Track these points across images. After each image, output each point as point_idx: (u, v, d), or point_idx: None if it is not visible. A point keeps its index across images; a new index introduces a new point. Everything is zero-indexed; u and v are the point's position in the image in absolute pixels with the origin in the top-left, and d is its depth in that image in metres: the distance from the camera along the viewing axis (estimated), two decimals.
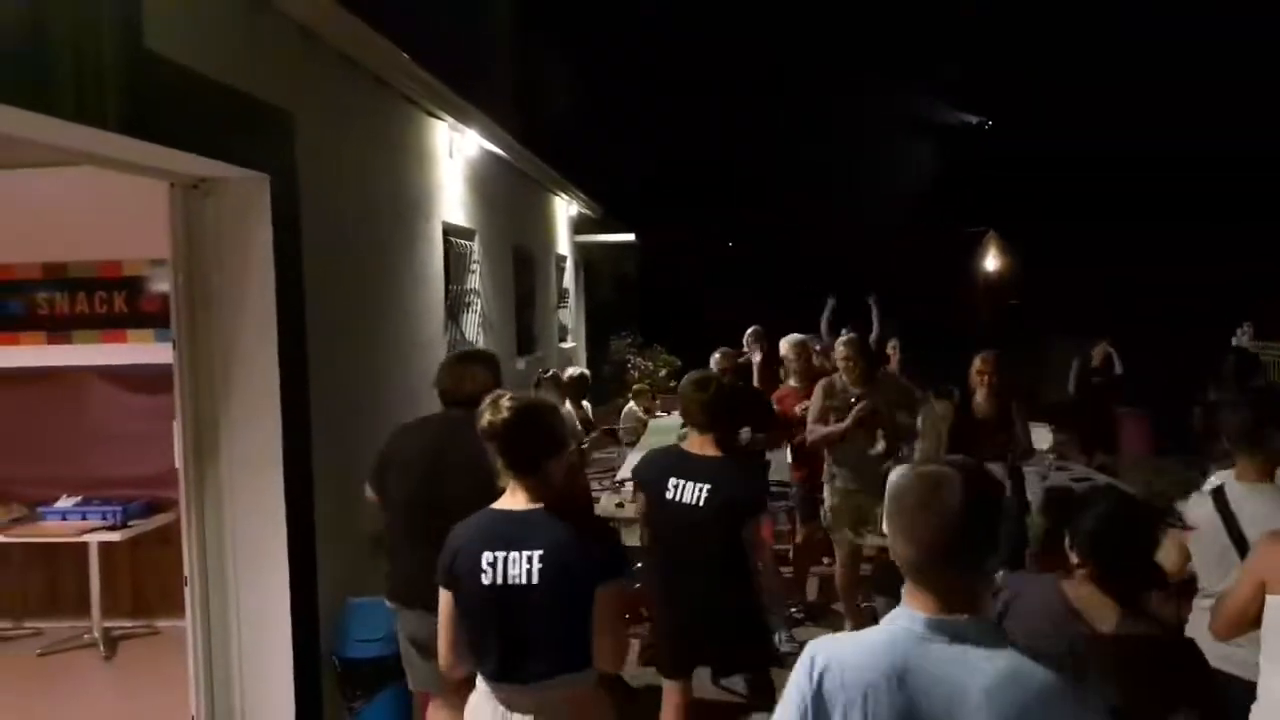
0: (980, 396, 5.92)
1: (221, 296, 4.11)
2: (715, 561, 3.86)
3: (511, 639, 2.65)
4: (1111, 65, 19.03)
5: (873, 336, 8.69)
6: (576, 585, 2.62)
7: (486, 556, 2.64)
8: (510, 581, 2.61)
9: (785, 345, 6.80)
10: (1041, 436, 7.85)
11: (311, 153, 4.45)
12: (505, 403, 2.67)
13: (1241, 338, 10.44)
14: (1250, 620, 2.89)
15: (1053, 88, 20.04)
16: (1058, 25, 20.15)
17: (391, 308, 5.68)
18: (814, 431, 5.69)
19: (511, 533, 2.66)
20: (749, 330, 8.08)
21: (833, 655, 1.72)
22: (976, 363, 5.98)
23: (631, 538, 6.64)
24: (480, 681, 2.77)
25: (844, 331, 9.37)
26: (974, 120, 24.55)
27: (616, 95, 19.46)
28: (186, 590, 4.11)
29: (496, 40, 11.43)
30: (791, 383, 6.65)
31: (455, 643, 2.76)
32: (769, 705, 4.05)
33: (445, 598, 2.75)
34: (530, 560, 2.60)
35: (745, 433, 5.91)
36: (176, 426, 4.09)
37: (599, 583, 2.63)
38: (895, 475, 1.77)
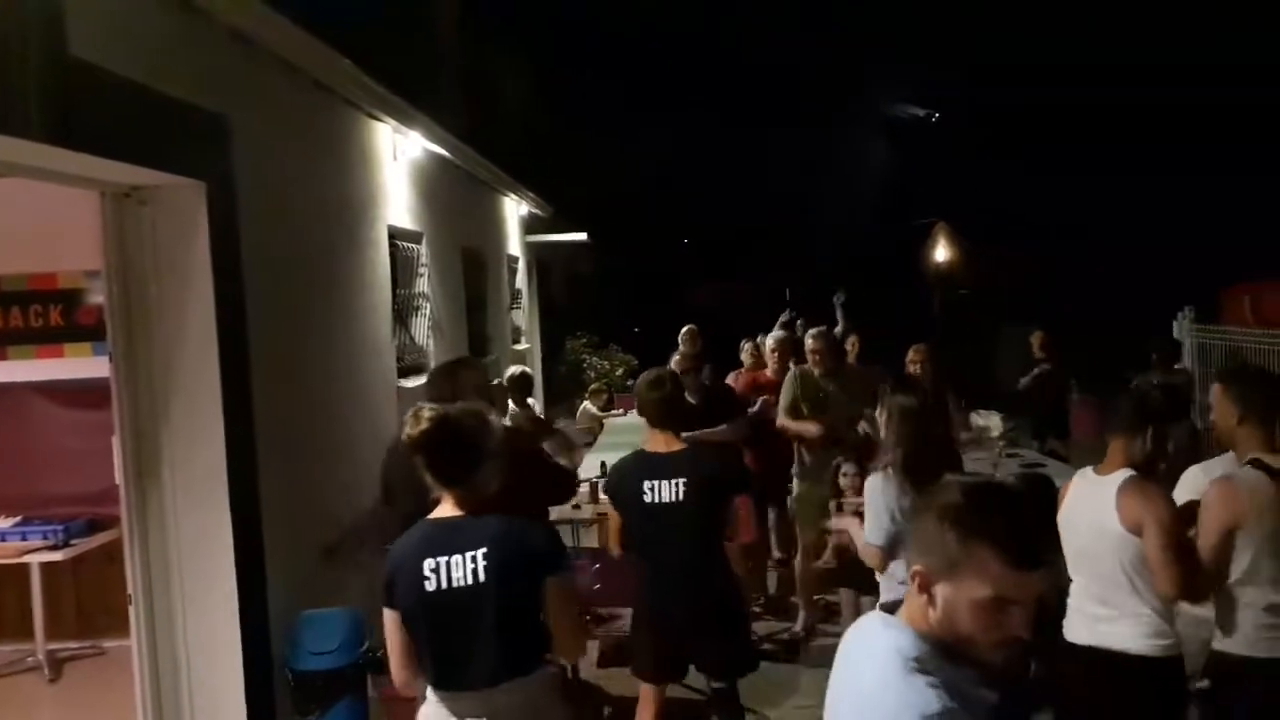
0: None
1: (159, 307, 4.01)
2: (700, 559, 3.90)
3: (461, 644, 2.62)
4: (1052, 58, 19.35)
5: (837, 330, 8.85)
6: (523, 578, 2.61)
7: (428, 564, 2.61)
8: (455, 584, 2.59)
9: (769, 342, 7.06)
10: (993, 424, 7.95)
11: (249, 159, 4.36)
12: (425, 414, 2.62)
13: (1182, 322, 10.66)
14: (1222, 568, 3.07)
15: (998, 81, 20.31)
16: (1002, 18, 20.43)
17: (337, 314, 5.60)
18: (791, 424, 5.91)
19: (448, 538, 2.63)
20: (684, 329, 8.22)
21: None
22: (910, 354, 6.18)
23: (589, 539, 6.65)
24: (430, 692, 2.73)
25: (798, 326, 9.51)
26: (921, 113, 24.82)
27: (566, 94, 19.39)
28: (131, 609, 4.01)
29: (439, 41, 11.33)
30: (767, 372, 6.81)
31: (406, 660, 2.72)
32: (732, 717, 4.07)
33: (390, 617, 2.71)
34: (474, 559, 2.58)
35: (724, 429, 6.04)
36: (116, 442, 3.99)
37: (548, 573, 2.63)
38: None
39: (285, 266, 4.86)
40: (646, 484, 3.91)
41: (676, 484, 3.85)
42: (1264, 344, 9.40)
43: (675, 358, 6.48)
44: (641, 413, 4.14)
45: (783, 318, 9.86)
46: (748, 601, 4.48)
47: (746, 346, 7.75)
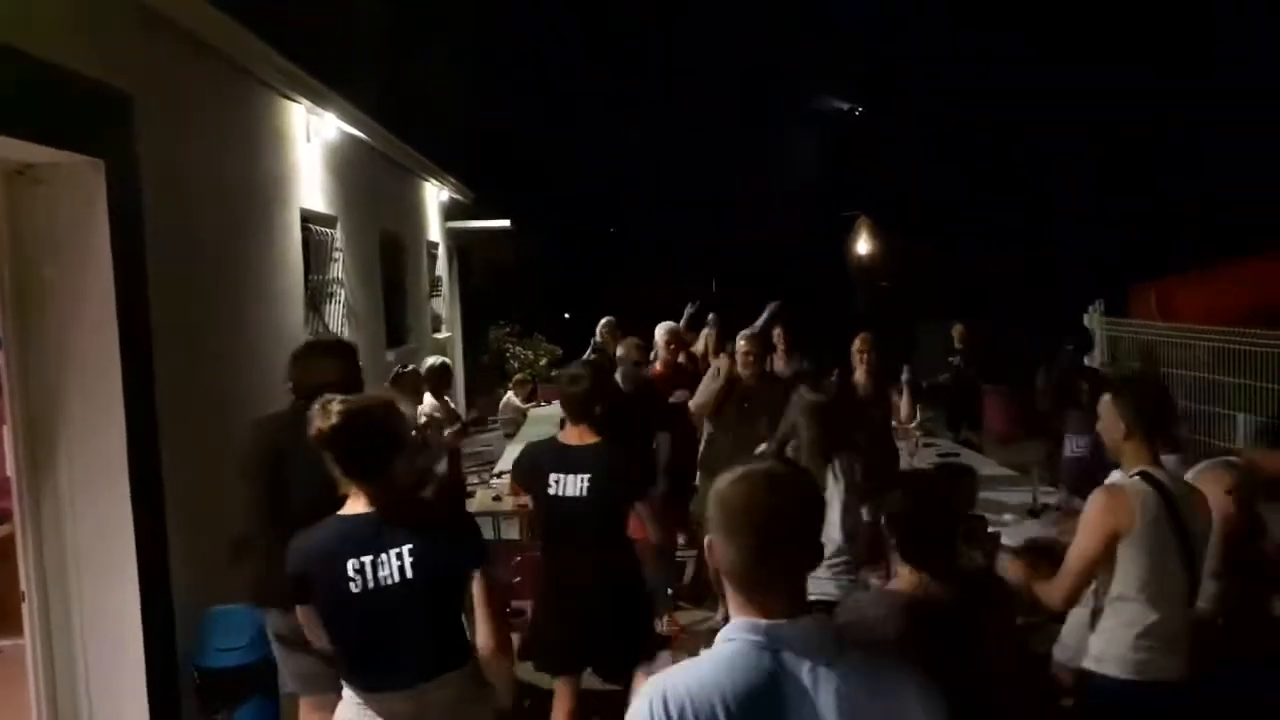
0: (859, 375, 6.26)
1: (56, 291, 3.84)
2: (601, 554, 3.88)
3: (389, 645, 2.56)
4: (973, 54, 19.73)
5: (757, 323, 8.88)
6: (449, 574, 2.59)
7: (351, 564, 2.53)
8: (382, 584, 2.52)
9: (660, 332, 6.86)
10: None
11: (154, 137, 4.20)
12: (335, 407, 2.53)
13: (1093, 316, 10.98)
14: (1091, 577, 3.05)
15: (921, 75, 20.65)
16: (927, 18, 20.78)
17: (247, 299, 5.43)
18: (698, 406, 6.02)
19: (369, 536, 2.56)
20: (602, 321, 8.15)
21: (676, 690, 1.58)
22: (856, 343, 6.34)
23: (510, 531, 6.59)
24: (349, 693, 2.65)
25: (709, 321, 9.51)
26: (845, 107, 25.14)
27: (489, 79, 19.16)
28: (24, 606, 3.85)
29: (357, 21, 11.07)
30: (657, 367, 6.73)
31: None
32: None
33: (304, 613, 2.66)
34: (400, 557, 2.52)
35: (664, 440, 6.13)
36: (6, 432, 3.82)
37: (472, 568, 2.61)
38: (720, 481, 1.70)
39: (192, 249, 4.70)
40: (553, 476, 3.89)
41: (581, 479, 3.84)
42: (1168, 337, 9.75)
43: (592, 347, 6.44)
44: (562, 405, 4.15)
45: (689, 310, 9.80)
46: (651, 601, 4.47)
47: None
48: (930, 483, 3.12)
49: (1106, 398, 3.21)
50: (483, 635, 2.63)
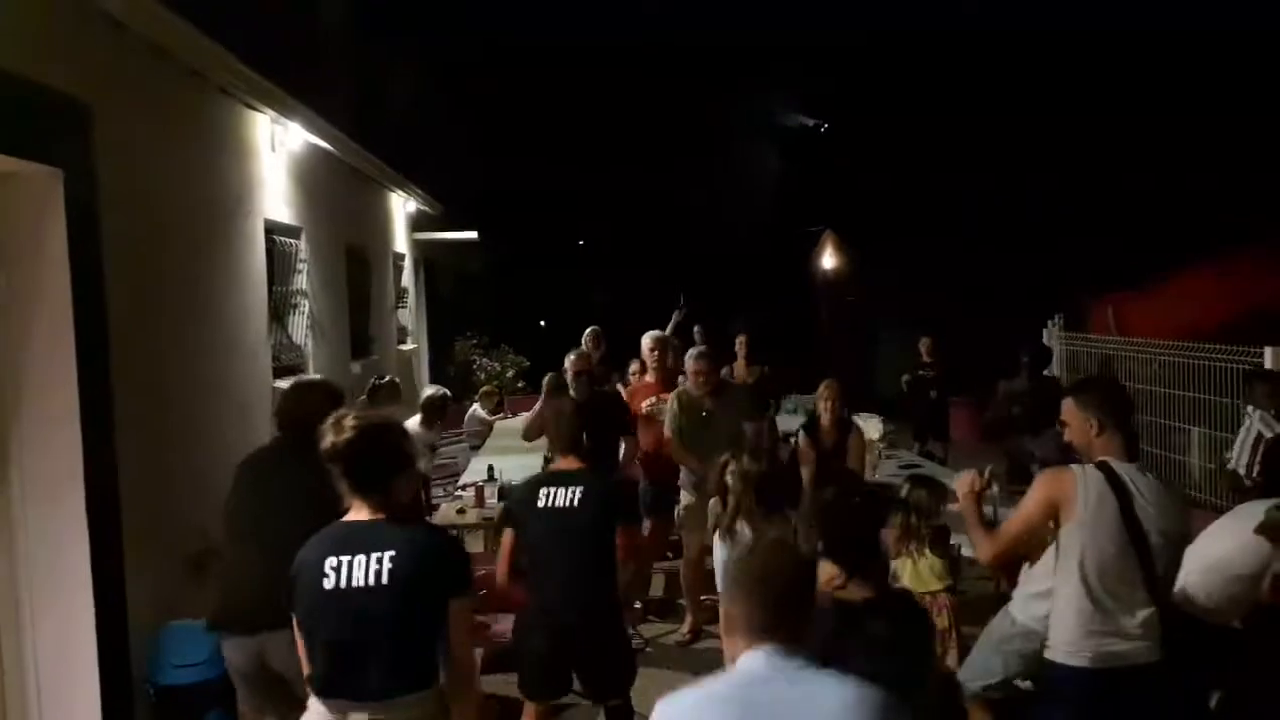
0: (825, 421, 6.14)
1: (10, 302, 3.79)
2: (590, 567, 3.92)
3: (349, 648, 2.55)
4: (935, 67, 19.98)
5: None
6: (426, 592, 2.56)
7: (330, 561, 2.56)
8: (354, 584, 2.53)
9: (646, 340, 6.88)
10: (873, 426, 8.15)
11: (114, 146, 4.16)
12: (348, 423, 2.61)
13: (1052, 330, 11.14)
14: (1023, 546, 3.15)
15: (885, 91, 20.84)
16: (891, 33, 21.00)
17: (209, 310, 5.37)
18: (677, 450, 5.97)
19: (357, 538, 2.59)
20: (587, 330, 8.10)
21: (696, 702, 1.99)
22: (821, 390, 6.20)
23: (475, 544, 6.55)
24: (314, 702, 2.63)
25: (696, 333, 9.57)
26: (810, 123, 25.33)
27: (456, 91, 19.11)
28: None
29: (321, 30, 11.01)
30: (648, 379, 6.74)
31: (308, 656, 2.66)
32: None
33: (297, 624, 2.65)
34: (380, 561, 2.53)
35: (628, 442, 6.21)
36: None
37: (453, 595, 2.60)
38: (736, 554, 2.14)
39: (152, 259, 4.65)
40: (543, 490, 3.96)
41: (573, 491, 3.90)
42: (1125, 351, 9.91)
43: (570, 358, 6.42)
44: (550, 436, 4.39)
45: (676, 317, 9.85)
46: (628, 620, 4.58)
47: (633, 366, 7.59)
48: (858, 480, 3.33)
49: (1069, 401, 3.20)
50: (454, 664, 2.61)
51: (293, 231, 7.10)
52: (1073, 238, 16.30)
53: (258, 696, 3.55)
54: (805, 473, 5.97)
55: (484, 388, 11.95)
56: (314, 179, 7.53)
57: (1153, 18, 17.22)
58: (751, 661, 1.97)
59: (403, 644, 2.56)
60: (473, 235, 14.33)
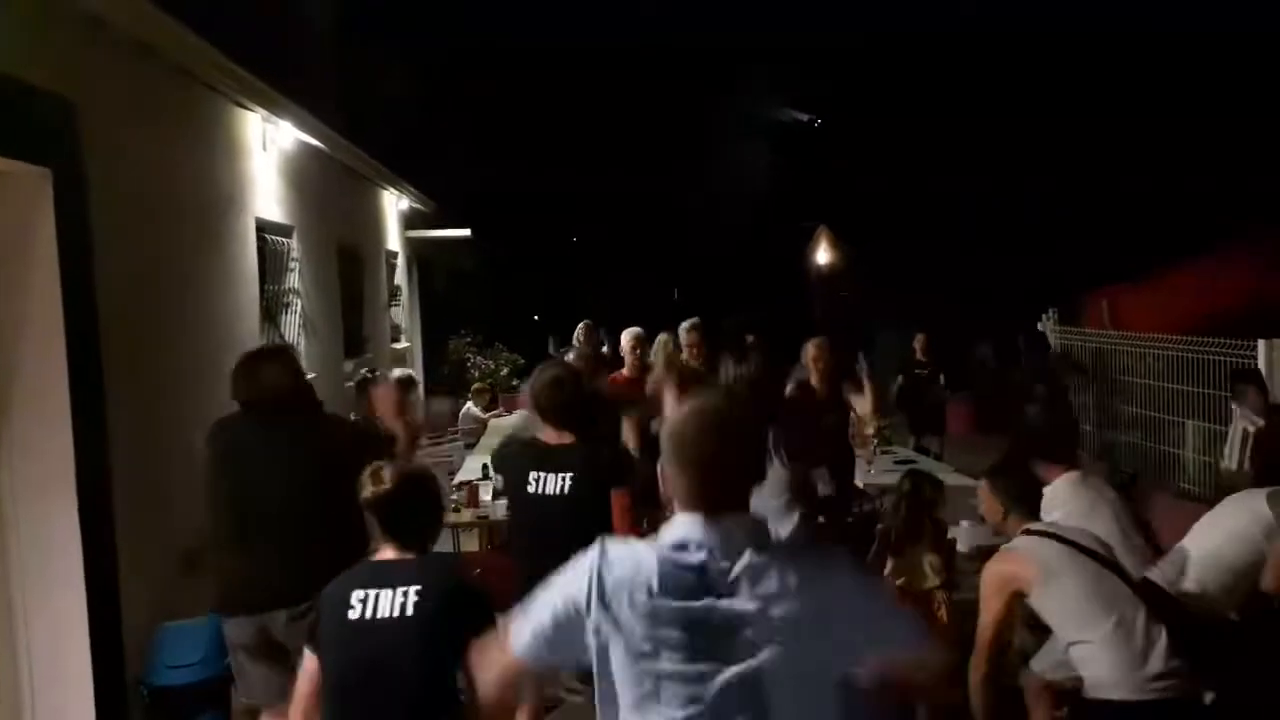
0: (814, 380, 6.09)
1: (1, 301, 3.76)
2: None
3: (375, 685, 2.51)
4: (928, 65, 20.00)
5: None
6: (451, 627, 2.49)
7: (356, 594, 2.54)
8: (379, 617, 2.50)
9: (626, 337, 6.84)
10: (869, 422, 8.13)
11: (102, 146, 4.15)
12: (386, 474, 2.63)
13: (1047, 324, 11.15)
14: (1004, 638, 3.14)
15: (881, 93, 20.86)
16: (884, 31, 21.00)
17: (200, 308, 5.36)
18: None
19: (385, 574, 2.59)
20: (580, 325, 8.08)
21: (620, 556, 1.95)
22: (810, 349, 6.15)
23: (470, 543, 6.53)
24: None
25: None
26: (804, 118, 25.32)
27: (449, 89, 19.08)
28: None
29: (312, 28, 10.97)
30: (625, 373, 6.70)
31: (305, 708, 2.61)
32: None
33: (308, 660, 2.61)
34: (405, 594, 2.52)
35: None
36: None
37: (474, 633, 2.44)
38: (672, 416, 1.95)
39: (142, 258, 4.63)
40: (533, 474, 3.85)
41: (563, 478, 3.81)
42: (1119, 345, 9.92)
43: (571, 354, 6.38)
44: (539, 412, 4.05)
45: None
46: None
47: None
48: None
49: (984, 484, 3.42)
50: (473, 697, 2.47)
51: (284, 230, 7.08)
52: (1069, 239, 16.33)
53: (261, 666, 3.50)
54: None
55: (476, 385, 11.94)
56: (306, 177, 7.51)
57: (1150, 19, 17.26)
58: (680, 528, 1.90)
59: (422, 680, 2.54)
60: (466, 233, 14.31)
